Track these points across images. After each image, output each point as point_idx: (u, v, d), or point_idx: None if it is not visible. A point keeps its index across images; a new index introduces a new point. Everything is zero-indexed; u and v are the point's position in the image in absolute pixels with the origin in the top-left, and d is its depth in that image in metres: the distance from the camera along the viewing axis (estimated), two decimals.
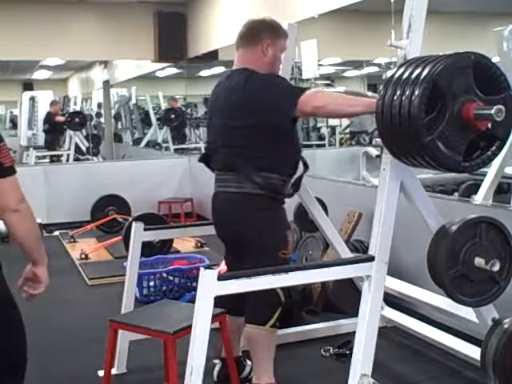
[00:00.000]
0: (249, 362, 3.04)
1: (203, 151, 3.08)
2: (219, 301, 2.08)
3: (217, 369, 3.01)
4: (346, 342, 3.30)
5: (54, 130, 9.85)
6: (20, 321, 1.97)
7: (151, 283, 4.34)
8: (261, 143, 2.65)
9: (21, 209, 1.84)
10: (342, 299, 3.81)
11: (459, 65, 1.99)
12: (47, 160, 9.91)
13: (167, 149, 9.72)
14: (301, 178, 2.85)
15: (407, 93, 1.96)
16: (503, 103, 2.01)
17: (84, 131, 9.69)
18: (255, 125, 2.62)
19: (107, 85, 10.54)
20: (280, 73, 2.88)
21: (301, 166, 2.84)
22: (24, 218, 1.86)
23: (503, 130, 2.08)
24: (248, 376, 2.99)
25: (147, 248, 4.08)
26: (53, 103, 10.18)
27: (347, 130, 9.13)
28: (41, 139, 10.36)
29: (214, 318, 2.35)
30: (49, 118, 9.93)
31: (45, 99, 10.53)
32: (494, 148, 2.10)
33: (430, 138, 1.96)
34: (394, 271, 3.10)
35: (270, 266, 2.29)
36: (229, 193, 2.73)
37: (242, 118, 2.64)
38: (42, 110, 10.42)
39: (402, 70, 2.06)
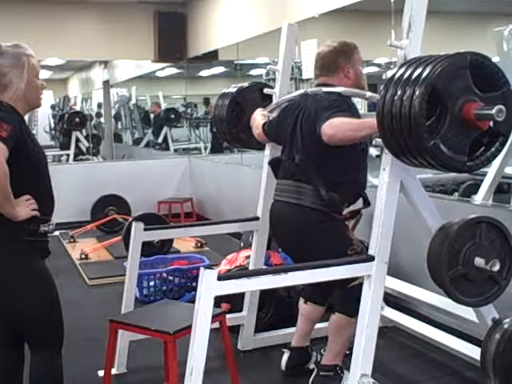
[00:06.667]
0: (314, 353, 3.15)
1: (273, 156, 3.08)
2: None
3: (285, 357, 3.13)
4: None
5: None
6: None
7: (151, 283, 4.34)
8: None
9: None
10: None
11: (456, 66, 1.98)
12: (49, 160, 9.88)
13: (167, 148, 9.72)
14: (359, 211, 2.92)
15: (408, 93, 1.96)
16: (503, 99, 2.00)
17: (84, 131, 9.67)
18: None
19: (107, 85, 10.52)
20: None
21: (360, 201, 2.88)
22: None
23: (506, 126, 2.06)
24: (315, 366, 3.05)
25: (147, 248, 4.09)
26: None
27: None
28: (41, 139, 10.33)
29: (214, 318, 2.35)
30: None
31: (45, 99, 10.49)
32: (497, 144, 2.08)
33: (433, 142, 1.94)
34: (394, 271, 3.10)
35: None
36: (292, 204, 2.79)
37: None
38: (42, 110, 10.39)
39: (402, 70, 2.06)
